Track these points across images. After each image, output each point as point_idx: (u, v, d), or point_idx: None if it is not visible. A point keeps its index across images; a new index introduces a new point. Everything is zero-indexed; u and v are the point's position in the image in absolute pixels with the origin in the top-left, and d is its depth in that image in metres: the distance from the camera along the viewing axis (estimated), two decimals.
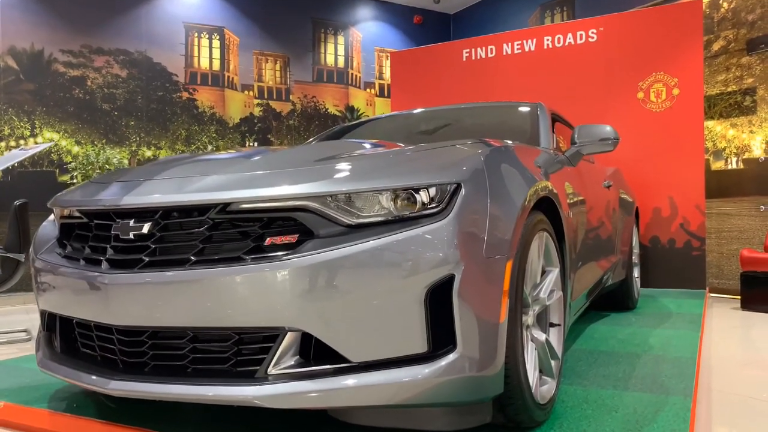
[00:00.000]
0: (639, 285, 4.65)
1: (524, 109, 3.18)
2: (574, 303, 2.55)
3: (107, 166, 5.83)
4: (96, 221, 1.79)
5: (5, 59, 6.09)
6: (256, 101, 7.69)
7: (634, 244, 4.49)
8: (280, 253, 1.52)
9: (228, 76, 7.49)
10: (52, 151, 6.22)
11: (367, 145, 2.05)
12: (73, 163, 6.03)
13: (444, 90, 6.71)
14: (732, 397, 2.50)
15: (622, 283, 4.09)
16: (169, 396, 1.55)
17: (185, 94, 7.15)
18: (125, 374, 1.64)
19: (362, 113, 8.57)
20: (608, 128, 2.91)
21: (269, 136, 7.73)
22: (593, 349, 3.02)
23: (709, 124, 6.07)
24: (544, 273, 2.11)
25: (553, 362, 2.05)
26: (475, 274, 1.54)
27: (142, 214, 1.65)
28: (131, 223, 1.64)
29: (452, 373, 1.51)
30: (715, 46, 6.14)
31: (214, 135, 7.26)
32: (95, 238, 1.78)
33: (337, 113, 8.35)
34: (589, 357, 2.84)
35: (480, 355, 1.55)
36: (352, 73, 8.56)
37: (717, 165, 6.09)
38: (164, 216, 1.64)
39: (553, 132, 3.02)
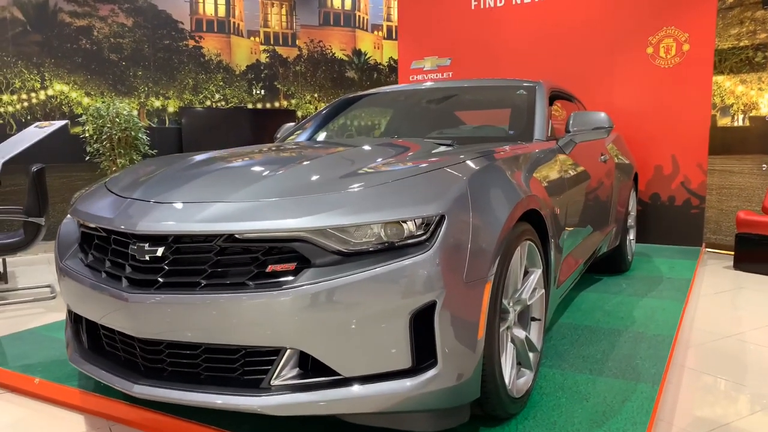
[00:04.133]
0: (634, 247, 4.81)
1: (522, 92, 3.23)
2: (559, 288, 2.72)
3: (117, 120, 5.93)
4: (114, 237, 1.96)
5: (11, 10, 6.08)
6: (262, 47, 7.64)
7: (630, 209, 4.62)
8: (280, 280, 1.69)
9: (234, 22, 7.41)
10: (63, 103, 6.32)
11: (379, 158, 2.20)
12: (84, 116, 6.13)
13: (451, 39, 6.64)
14: (702, 378, 2.71)
15: (616, 249, 4.25)
16: (186, 402, 1.77)
17: (191, 42, 7.12)
18: (147, 378, 1.86)
19: (369, 57, 8.48)
20: (602, 115, 2.98)
21: (276, 83, 7.73)
22: (578, 323, 3.22)
23: (719, 79, 6.01)
24: (527, 273, 2.27)
25: (531, 355, 2.25)
26: (456, 298, 1.71)
27: (156, 238, 1.82)
28: (146, 246, 1.80)
29: (433, 385, 1.72)
30: None
31: (221, 83, 7.28)
32: (114, 253, 1.95)
33: (344, 57, 8.27)
34: (573, 333, 3.05)
35: (459, 368, 1.75)
36: (359, 16, 8.41)
37: (723, 121, 6.08)
38: (176, 240, 1.80)
39: (549, 117, 3.08)
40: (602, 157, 3.73)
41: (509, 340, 2.11)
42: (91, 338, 2.16)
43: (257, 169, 2.14)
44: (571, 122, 2.96)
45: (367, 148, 2.52)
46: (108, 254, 1.98)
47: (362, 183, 1.86)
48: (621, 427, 2.04)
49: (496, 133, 3.18)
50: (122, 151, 6.02)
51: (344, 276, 1.65)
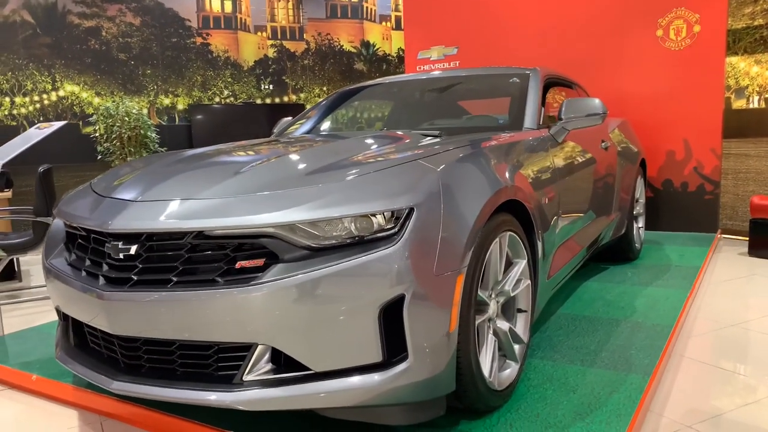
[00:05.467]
0: (642, 235, 4.72)
1: (515, 80, 3.18)
2: (551, 280, 2.68)
3: (126, 119, 6.01)
4: (93, 236, 1.99)
5: (21, 14, 6.19)
6: (269, 42, 7.66)
7: (638, 196, 4.53)
8: (248, 276, 1.69)
9: (240, 18, 7.44)
10: (74, 103, 6.42)
11: (356, 152, 2.17)
12: (94, 116, 6.23)
13: (458, 27, 6.56)
14: (701, 367, 2.65)
15: (622, 237, 4.17)
16: (162, 398, 1.79)
17: (199, 39, 7.17)
18: (126, 375, 1.89)
19: (378, 48, 8.44)
20: (596, 102, 2.92)
21: (284, 77, 7.74)
22: (577, 314, 3.18)
23: (733, 60, 5.85)
24: (511, 264, 2.24)
25: (517, 347, 2.23)
26: (425, 291, 1.69)
27: (129, 237, 1.83)
28: (120, 244, 1.82)
29: (404, 379, 1.71)
30: None
31: (229, 80, 7.32)
32: (93, 252, 1.98)
33: (353, 50, 8.25)
34: (570, 324, 3.01)
35: (430, 361, 1.73)
36: (366, 7, 8.36)
37: (738, 104, 5.92)
38: (149, 238, 1.82)
39: (541, 105, 3.03)
40: (603, 144, 3.66)
41: (490, 332, 2.09)
42: (77, 336, 2.20)
43: (233, 165, 2.14)
44: (563, 110, 2.90)
45: (347, 141, 2.50)
46: (88, 253, 2.01)
47: (332, 177, 1.85)
48: (605, 419, 2.00)
49: (487, 123, 3.14)
50: (132, 149, 6.11)
51: (312, 271, 1.65)
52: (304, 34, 7.91)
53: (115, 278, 1.85)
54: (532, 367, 2.47)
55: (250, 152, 2.44)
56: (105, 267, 1.89)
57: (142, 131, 6.17)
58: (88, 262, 2.00)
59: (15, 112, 6.11)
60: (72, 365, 2.07)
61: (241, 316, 1.67)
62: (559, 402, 2.14)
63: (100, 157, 6.29)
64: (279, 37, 7.75)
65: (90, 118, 6.35)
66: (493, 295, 2.10)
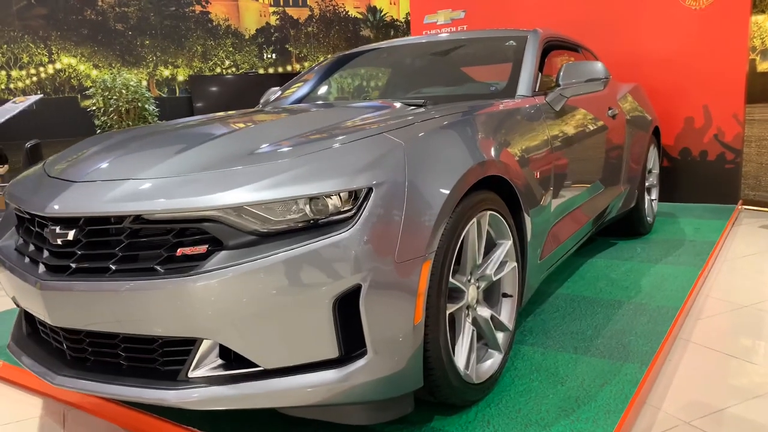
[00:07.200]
0: (656, 208, 4.47)
1: (511, 43, 2.93)
2: (545, 261, 2.49)
3: (124, 91, 5.86)
4: (37, 219, 1.85)
5: None
6: (271, 9, 7.40)
7: (651, 166, 4.27)
8: (188, 264, 1.53)
9: None
10: (72, 76, 6.29)
11: (321, 124, 1.99)
12: (92, 89, 6.10)
13: None
14: (707, 354, 2.45)
15: (632, 211, 3.93)
16: (105, 394, 1.66)
17: (198, 8, 6.95)
18: (71, 369, 1.76)
19: (385, 13, 8.12)
20: (598, 66, 2.68)
21: (287, 45, 7.50)
22: (577, 294, 2.98)
23: (759, 19, 5.45)
24: (494, 246, 2.05)
25: (500, 335, 2.05)
26: (384, 281, 1.53)
27: (68, 221, 1.69)
28: (58, 229, 1.68)
29: (364, 376, 1.55)
30: None
31: (230, 49, 7.11)
32: (36, 237, 1.84)
33: (359, 15, 7.94)
34: (569, 306, 2.82)
35: (392, 357, 1.58)
36: None
37: (764, 66, 5.55)
38: (87, 223, 1.66)
39: (540, 70, 2.79)
40: (610, 111, 3.40)
41: (468, 321, 1.92)
42: (30, 325, 2.08)
43: (186, 140, 1.97)
44: (561, 75, 2.66)
45: (322, 111, 2.32)
46: (32, 238, 1.88)
47: (285, 154, 1.68)
48: (592, 416, 1.83)
49: (478, 90, 2.91)
50: (131, 123, 5.97)
51: (258, 259, 1.49)
52: (308, 1, 7.64)
53: (54, 266, 1.71)
54: (521, 354, 2.30)
55: (214, 125, 2.26)
56: (45, 253, 1.75)
57: (140, 104, 6.02)
58: (31, 248, 1.86)
59: (12, 86, 6.00)
60: (21, 357, 1.95)
61: (181, 309, 1.52)
62: (545, 395, 1.97)
63: (99, 131, 6.18)
64: (281, 3, 7.49)
65: (88, 91, 6.22)
66: (471, 281, 1.92)
